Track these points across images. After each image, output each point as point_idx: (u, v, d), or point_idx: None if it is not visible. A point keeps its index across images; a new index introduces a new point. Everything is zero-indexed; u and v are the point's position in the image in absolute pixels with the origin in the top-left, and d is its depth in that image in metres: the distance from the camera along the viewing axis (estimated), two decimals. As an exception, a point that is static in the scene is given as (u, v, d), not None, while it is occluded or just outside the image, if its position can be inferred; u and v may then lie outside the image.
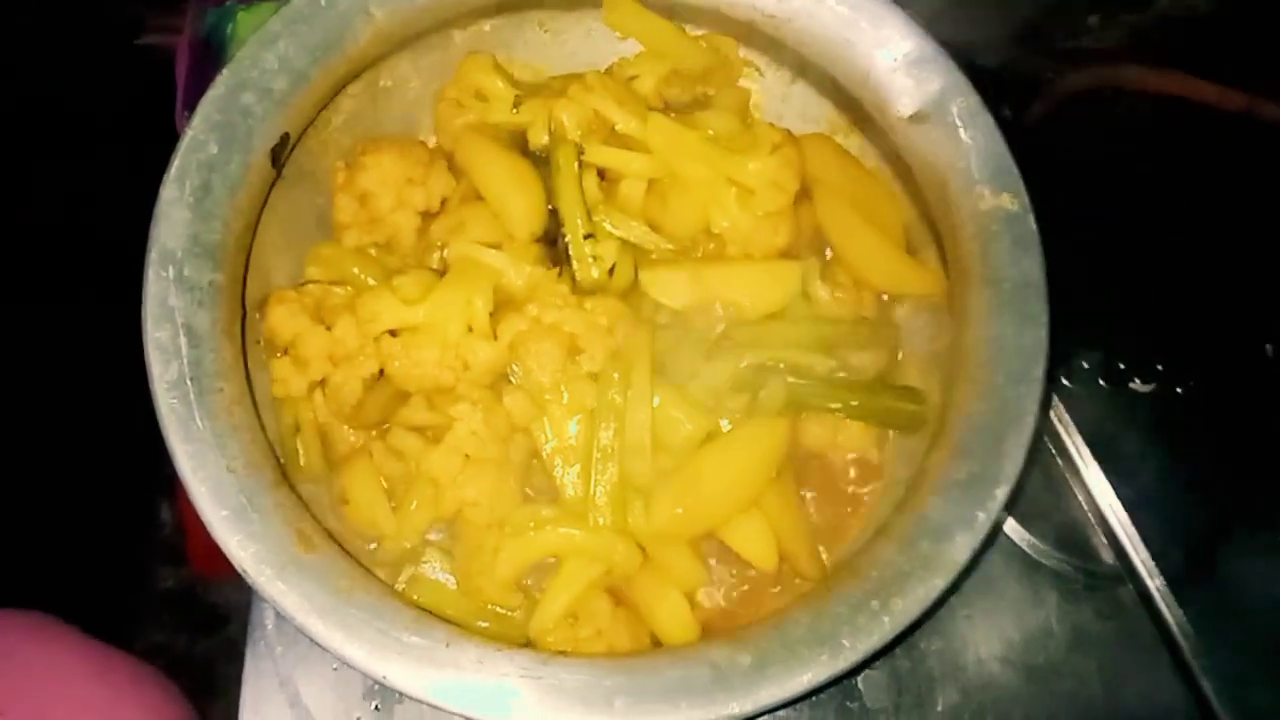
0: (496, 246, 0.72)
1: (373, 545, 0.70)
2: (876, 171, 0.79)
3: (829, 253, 0.79)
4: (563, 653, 0.61)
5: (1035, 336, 0.66)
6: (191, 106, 0.98)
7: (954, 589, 0.63)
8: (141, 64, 1.15)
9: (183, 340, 0.61)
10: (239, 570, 0.58)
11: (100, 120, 1.14)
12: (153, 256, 0.62)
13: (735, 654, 0.60)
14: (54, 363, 1.03)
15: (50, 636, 0.88)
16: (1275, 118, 0.97)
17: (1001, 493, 0.64)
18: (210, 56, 1.02)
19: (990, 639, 0.82)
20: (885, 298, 0.78)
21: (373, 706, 0.75)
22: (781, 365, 0.73)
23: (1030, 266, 0.67)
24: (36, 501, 1.01)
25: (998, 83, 0.98)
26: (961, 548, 0.62)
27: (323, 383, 0.71)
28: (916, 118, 0.71)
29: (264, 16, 0.99)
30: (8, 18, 1.10)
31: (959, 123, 0.70)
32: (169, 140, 0.95)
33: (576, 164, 0.73)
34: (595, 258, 0.73)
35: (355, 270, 0.74)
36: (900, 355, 0.78)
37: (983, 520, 0.63)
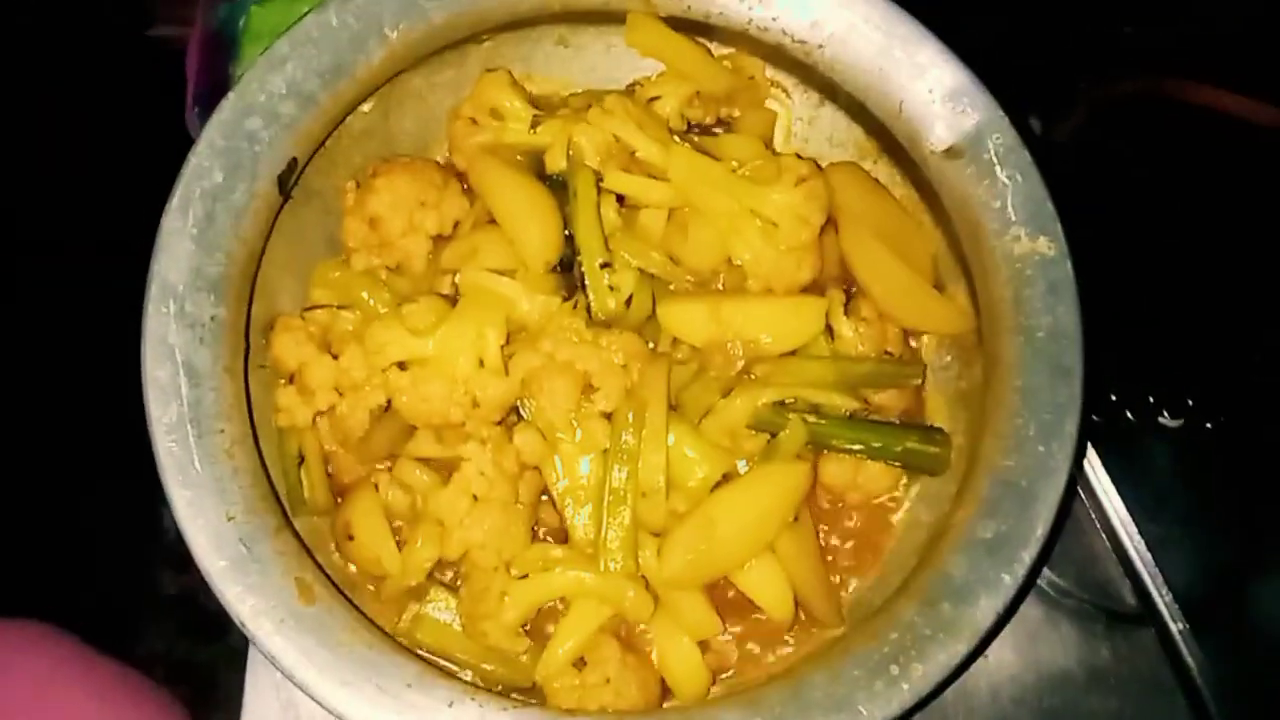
0: (510, 274, 0.70)
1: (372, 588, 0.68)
2: (905, 201, 0.76)
3: (854, 285, 0.76)
4: (570, 712, 0.59)
5: (1068, 390, 0.64)
6: (202, 103, 0.96)
7: (977, 654, 0.61)
8: (152, 56, 1.12)
9: (182, 380, 0.59)
10: (237, 624, 0.56)
11: (110, 113, 1.12)
12: (153, 291, 0.60)
13: (748, 718, 0.58)
14: (56, 363, 1.01)
15: (46, 647, 0.87)
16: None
17: (1029, 555, 0.61)
18: (222, 51, 0.99)
19: (1005, 677, 0.81)
20: (911, 334, 0.76)
21: None
22: (802, 404, 0.70)
23: (1065, 315, 0.65)
24: (38, 507, 1.00)
25: (1028, 93, 0.95)
26: (985, 611, 0.60)
27: (329, 412, 0.69)
28: (951, 152, 0.69)
29: (278, 11, 0.97)
30: (17, 6, 1.07)
31: (996, 160, 0.67)
32: (179, 136, 0.93)
33: (595, 191, 0.70)
34: (612, 288, 0.70)
35: (364, 294, 0.72)
36: (926, 393, 0.76)
37: (1008, 583, 0.61)
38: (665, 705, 0.67)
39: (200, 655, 1.05)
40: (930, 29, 0.70)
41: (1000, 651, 0.80)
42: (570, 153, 0.71)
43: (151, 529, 1.05)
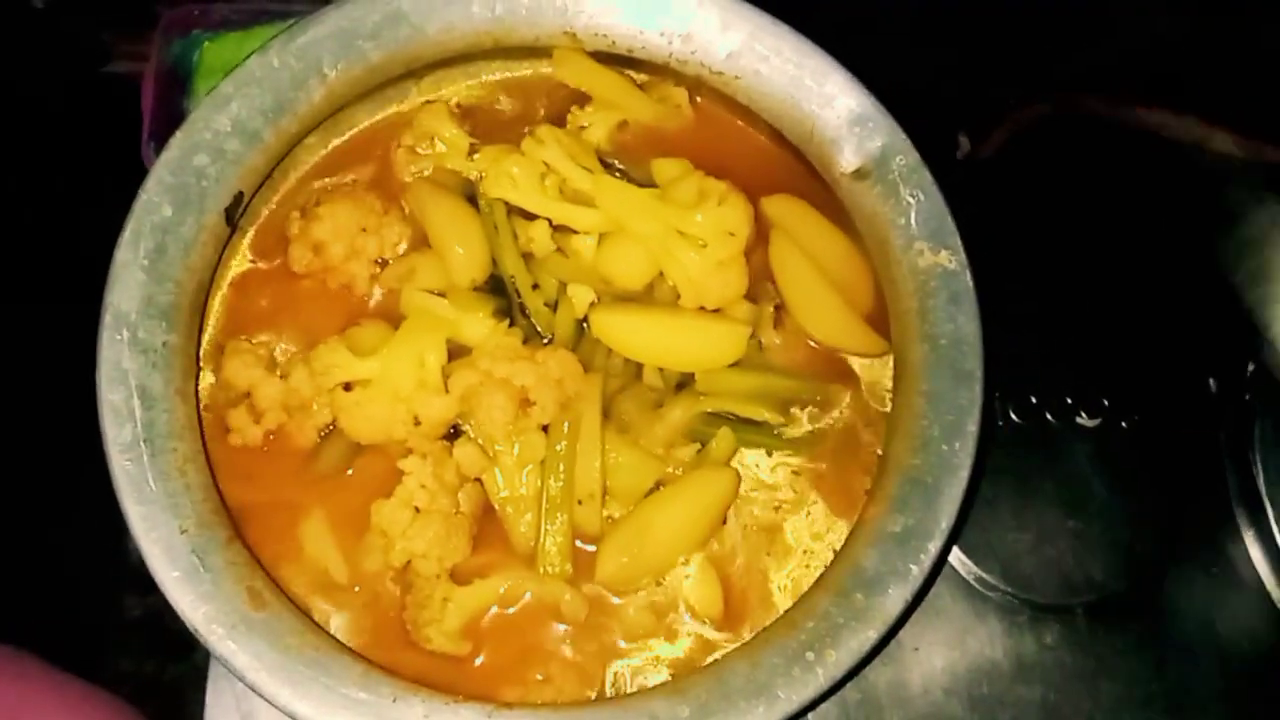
0: (443, 294, 0.74)
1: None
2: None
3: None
4: (510, 705, 0.63)
5: (969, 392, 0.68)
6: (157, 137, 0.99)
7: (887, 640, 0.65)
8: (109, 92, 1.15)
9: (136, 403, 0.62)
10: (191, 630, 0.60)
11: (68, 148, 1.14)
12: (107, 320, 0.63)
13: (674, 706, 0.62)
14: (16, 391, 1.04)
15: (15, 669, 0.89)
16: (1228, 150, 0.99)
17: (935, 546, 0.66)
18: (176, 86, 1.02)
19: (936, 670, 0.85)
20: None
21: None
22: (732, 414, 0.74)
23: (965, 323, 0.69)
24: (3, 534, 1.02)
25: (959, 115, 1.00)
26: (895, 600, 0.65)
27: (279, 431, 0.72)
28: (859, 174, 0.73)
29: (230, 46, 1.01)
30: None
31: (900, 180, 0.72)
32: (136, 169, 0.96)
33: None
34: (548, 304, 0.75)
35: (311, 318, 0.75)
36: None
37: (916, 573, 0.65)
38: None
39: (166, 674, 1.07)
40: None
41: (931, 645, 0.85)
42: (481, 189, 0.76)
43: (116, 553, 1.07)
